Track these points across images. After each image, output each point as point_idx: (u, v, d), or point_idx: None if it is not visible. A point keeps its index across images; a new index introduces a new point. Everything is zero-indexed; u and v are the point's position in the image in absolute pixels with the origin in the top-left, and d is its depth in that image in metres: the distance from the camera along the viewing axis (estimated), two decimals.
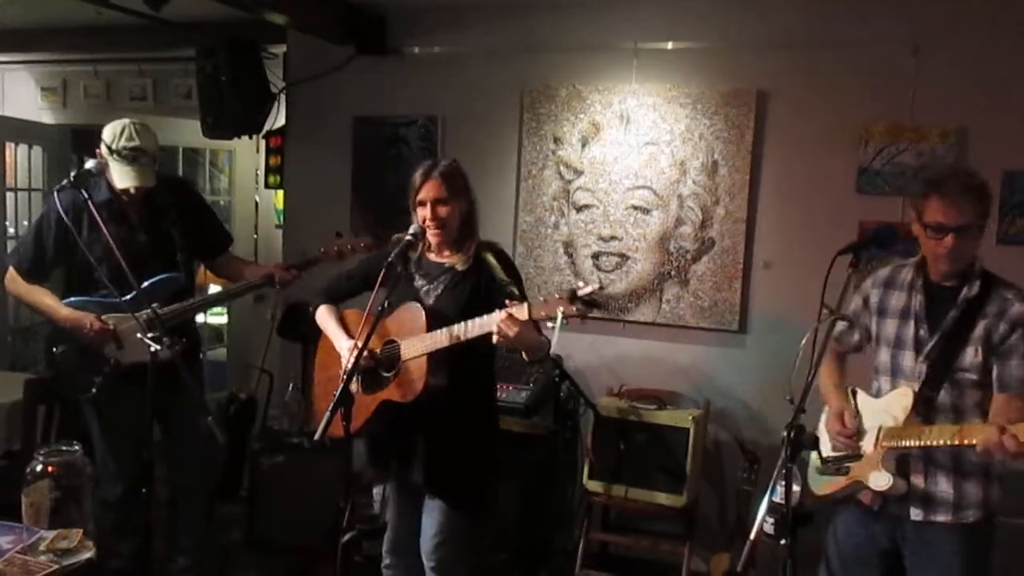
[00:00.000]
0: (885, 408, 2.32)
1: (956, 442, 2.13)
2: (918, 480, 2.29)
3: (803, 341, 2.20)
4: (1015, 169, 3.44)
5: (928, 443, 2.19)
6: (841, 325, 2.47)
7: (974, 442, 2.07)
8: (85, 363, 3.00)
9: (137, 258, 2.86)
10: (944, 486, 2.28)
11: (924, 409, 2.26)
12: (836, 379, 2.56)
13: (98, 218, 2.73)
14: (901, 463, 2.29)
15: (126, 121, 2.96)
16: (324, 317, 2.77)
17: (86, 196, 2.73)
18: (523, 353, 2.41)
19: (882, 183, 3.60)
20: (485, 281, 2.54)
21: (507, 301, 2.31)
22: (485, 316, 2.35)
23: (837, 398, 2.49)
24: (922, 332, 2.32)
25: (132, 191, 2.94)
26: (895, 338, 2.37)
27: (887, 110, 3.58)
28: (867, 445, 2.33)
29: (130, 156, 2.88)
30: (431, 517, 2.63)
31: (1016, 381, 2.22)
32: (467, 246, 2.60)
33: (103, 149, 2.92)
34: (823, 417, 2.53)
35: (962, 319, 2.26)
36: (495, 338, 2.29)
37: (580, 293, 2.12)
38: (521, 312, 2.25)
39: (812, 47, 3.66)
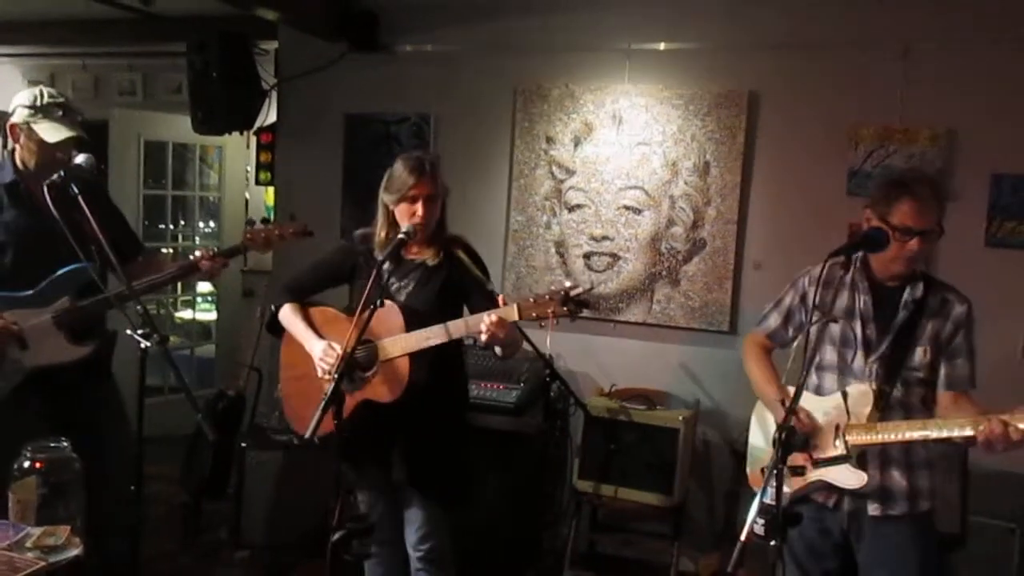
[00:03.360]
0: (837, 406, 2.31)
1: (945, 436, 2.14)
2: (875, 475, 2.31)
3: (794, 343, 2.21)
4: (1003, 172, 3.46)
5: (907, 438, 2.20)
6: (777, 321, 2.52)
7: (968, 434, 2.09)
8: None
9: (43, 248, 2.54)
10: (899, 479, 2.31)
11: (883, 406, 2.29)
12: (772, 374, 2.52)
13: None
14: (859, 459, 2.30)
15: (38, 86, 2.76)
16: (289, 317, 2.68)
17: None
18: (497, 349, 2.43)
19: (873, 186, 3.62)
20: (457, 275, 2.55)
21: (498, 300, 2.33)
22: (473, 316, 2.36)
23: (781, 392, 2.40)
24: (869, 332, 2.33)
25: (56, 154, 2.66)
26: (840, 336, 2.37)
27: (877, 113, 3.60)
28: (825, 443, 2.32)
29: (59, 110, 2.66)
30: (414, 511, 2.63)
31: (963, 380, 2.30)
32: (438, 241, 2.59)
33: (21, 115, 2.65)
34: (760, 413, 2.53)
35: (910, 320, 2.31)
36: (483, 337, 2.30)
37: (573, 294, 2.14)
38: (510, 314, 2.26)
39: (803, 49, 3.67)
